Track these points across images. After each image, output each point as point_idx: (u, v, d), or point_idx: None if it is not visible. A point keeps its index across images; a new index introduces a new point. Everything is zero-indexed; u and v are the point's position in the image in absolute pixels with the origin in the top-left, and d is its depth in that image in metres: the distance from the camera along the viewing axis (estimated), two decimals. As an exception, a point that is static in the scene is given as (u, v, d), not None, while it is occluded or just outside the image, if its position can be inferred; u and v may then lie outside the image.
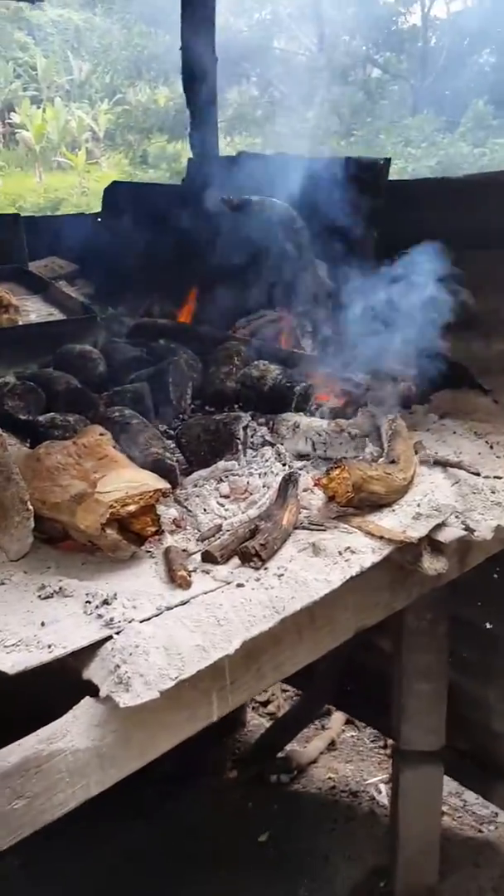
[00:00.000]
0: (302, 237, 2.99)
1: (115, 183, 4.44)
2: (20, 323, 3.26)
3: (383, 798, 3.81)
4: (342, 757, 4.21)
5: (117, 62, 23.56)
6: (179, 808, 3.72)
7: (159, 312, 3.63)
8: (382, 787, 3.89)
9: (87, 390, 2.54)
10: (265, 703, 4.47)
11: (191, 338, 3.12)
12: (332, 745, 4.25)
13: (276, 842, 3.57)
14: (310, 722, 4.20)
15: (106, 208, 4.31)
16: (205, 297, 3.46)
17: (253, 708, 4.39)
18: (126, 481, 1.78)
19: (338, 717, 4.26)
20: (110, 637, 1.51)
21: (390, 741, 3.54)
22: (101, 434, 1.98)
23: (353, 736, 4.36)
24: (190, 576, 1.69)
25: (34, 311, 3.57)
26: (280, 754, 3.99)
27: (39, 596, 1.67)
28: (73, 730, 1.45)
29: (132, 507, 1.76)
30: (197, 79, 3.73)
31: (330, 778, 4.04)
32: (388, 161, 3.08)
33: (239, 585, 1.67)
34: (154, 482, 1.81)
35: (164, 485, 1.82)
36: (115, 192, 4.29)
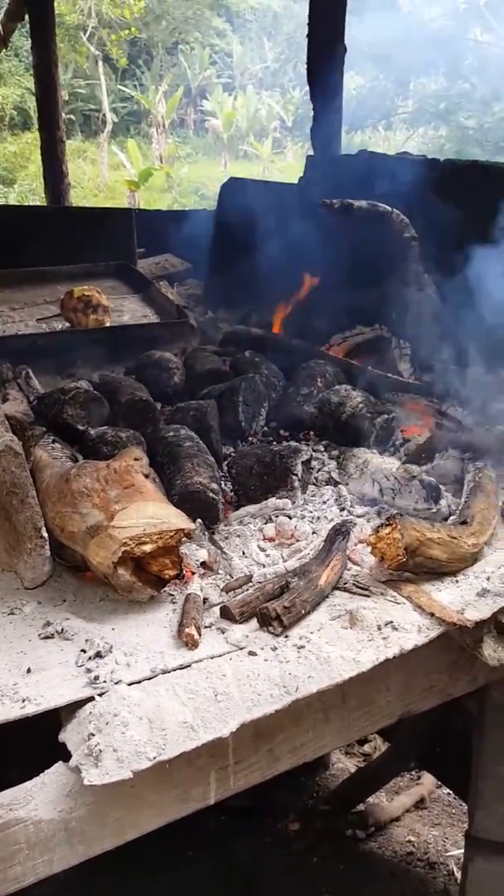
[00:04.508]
0: (411, 248, 2.75)
1: (231, 179, 4.35)
2: (108, 324, 3.23)
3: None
4: (429, 819, 3.89)
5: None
6: (240, 848, 3.57)
7: (256, 320, 3.48)
8: (464, 862, 3.57)
9: (150, 403, 2.45)
10: (361, 743, 4.21)
11: (279, 351, 2.96)
12: (421, 803, 3.93)
13: (333, 907, 3.34)
14: (394, 777, 3.92)
15: (221, 205, 4.23)
16: (305, 306, 3.28)
17: (343, 748, 4.14)
18: (147, 517, 1.65)
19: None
20: (92, 698, 1.38)
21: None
22: (135, 458, 1.85)
23: (448, 794, 4.02)
24: (200, 634, 1.54)
25: (129, 311, 3.54)
26: (360, 806, 3.75)
27: (40, 635, 1.58)
28: (38, 797, 1.34)
29: (148, 547, 1.62)
30: (322, 69, 3.55)
31: (409, 841, 3.74)
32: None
33: (251, 654, 1.50)
34: (178, 520, 1.66)
35: (188, 525, 1.67)
36: (231, 189, 4.19)
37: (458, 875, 3.49)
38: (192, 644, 1.51)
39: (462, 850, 3.64)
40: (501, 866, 2.49)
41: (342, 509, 2.02)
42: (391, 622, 1.58)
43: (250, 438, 2.49)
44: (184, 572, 1.72)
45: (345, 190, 2.99)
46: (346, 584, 1.72)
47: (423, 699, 1.75)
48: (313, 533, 1.90)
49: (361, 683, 1.55)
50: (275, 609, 1.55)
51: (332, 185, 3.27)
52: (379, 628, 1.57)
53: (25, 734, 1.40)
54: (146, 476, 1.84)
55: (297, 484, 2.04)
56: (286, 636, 1.55)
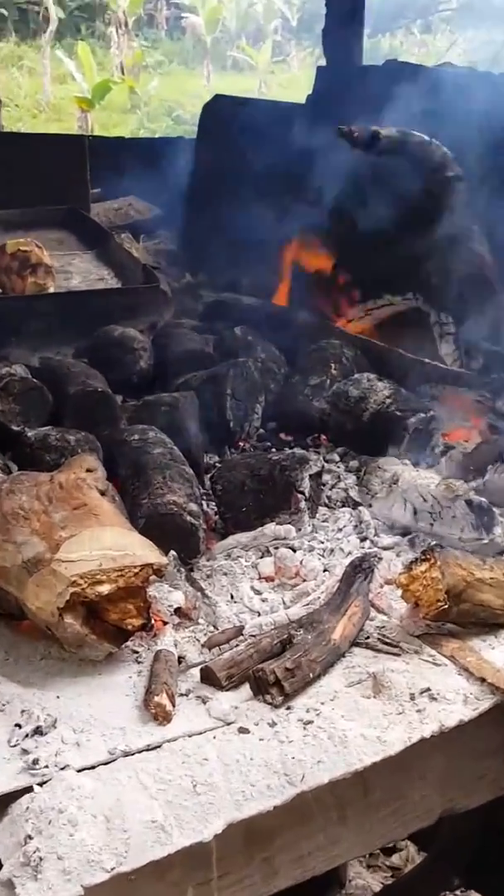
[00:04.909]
0: (456, 191, 2.79)
1: (217, 97, 4.39)
2: (51, 289, 3.25)
3: None
4: None
5: None
6: None
7: (249, 285, 3.53)
8: None
9: (107, 397, 2.47)
10: (389, 852, 4.22)
11: (280, 327, 3.00)
12: (466, 936, 3.96)
13: None
14: (431, 900, 3.93)
15: (204, 132, 4.26)
16: (315, 268, 3.32)
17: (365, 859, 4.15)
18: (103, 547, 1.66)
19: (481, 894, 3.96)
20: (29, 789, 1.40)
21: None
22: (88, 470, 1.87)
23: (502, 925, 4.04)
24: (173, 704, 1.55)
25: (80, 273, 3.56)
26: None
27: (-40, 705, 1.59)
28: (-45, 921, 1.35)
29: (106, 588, 1.63)
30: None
31: None
32: None
33: (241, 731, 1.51)
34: (144, 553, 1.68)
35: (158, 558, 1.68)
36: (217, 111, 4.24)
37: None
38: (163, 717, 1.52)
39: None
40: None
41: (363, 539, 2.03)
42: (428, 690, 1.59)
43: (241, 444, 2.52)
44: (152, 622, 1.72)
45: (368, 113, 3.02)
46: (368, 638, 1.73)
47: (470, 793, 1.76)
48: (325, 570, 1.91)
49: (389, 771, 1.55)
50: (273, 671, 1.55)
51: (352, 106, 3.30)
52: (412, 698, 1.58)
53: None
54: (102, 493, 1.85)
55: (303, 505, 2.05)
56: (288, 707, 1.56)
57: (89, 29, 24.13)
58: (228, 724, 1.53)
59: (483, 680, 1.61)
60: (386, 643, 1.71)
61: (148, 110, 19.78)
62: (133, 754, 1.47)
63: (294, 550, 1.98)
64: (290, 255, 3.54)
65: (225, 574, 1.93)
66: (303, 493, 2.06)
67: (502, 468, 2.13)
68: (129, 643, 1.71)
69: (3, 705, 1.58)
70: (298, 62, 23.97)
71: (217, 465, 2.37)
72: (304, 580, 1.90)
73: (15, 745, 1.47)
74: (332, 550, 1.99)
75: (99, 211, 4.38)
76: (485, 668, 1.62)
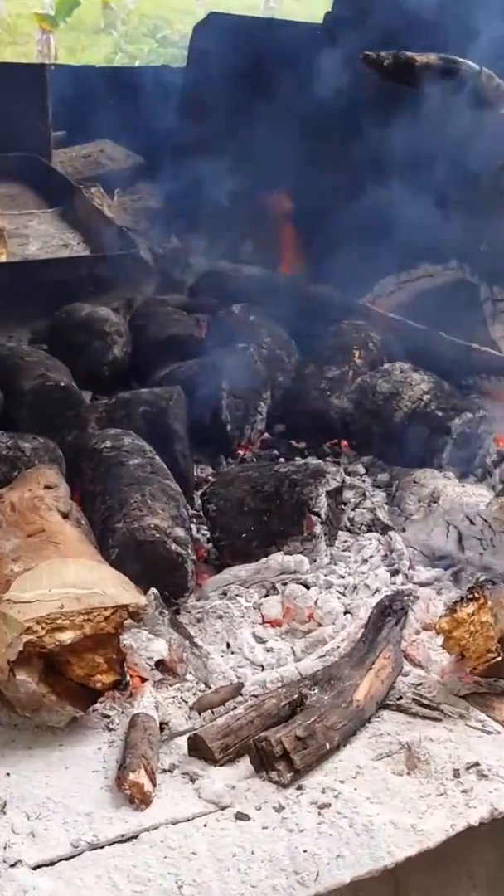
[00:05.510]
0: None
1: (212, 16, 4.41)
2: (3, 258, 3.25)
3: None
4: None
5: None
6: None
7: (252, 251, 3.54)
8: None
9: (72, 393, 2.48)
10: None
11: (291, 304, 3.00)
12: None
13: None
14: None
15: (195, 59, 4.27)
16: (332, 231, 3.32)
17: None
18: (65, 584, 1.66)
19: None
20: (-29, 890, 1.40)
21: None
22: (46, 486, 1.87)
23: None
24: (154, 783, 1.54)
25: (38, 236, 3.56)
26: None
27: None
28: None
29: (68, 635, 1.63)
30: None
31: None
32: None
33: (240, 817, 1.51)
34: (117, 591, 1.68)
35: (134, 598, 1.68)
36: (212, 32, 4.24)
37: None
38: (140, 800, 1.52)
39: None
40: None
41: (395, 573, 2.03)
42: (477, 765, 1.59)
43: (241, 452, 2.52)
44: (128, 679, 1.72)
45: (403, 35, 3.02)
46: (400, 699, 1.72)
47: (531, 895, 1.76)
48: (346, 613, 1.90)
49: (427, 868, 1.55)
50: (280, 741, 1.54)
51: (382, 26, 3.30)
52: (456, 775, 1.57)
53: None
54: (65, 515, 1.86)
55: (318, 529, 2.05)
56: (299, 787, 1.55)
57: None
58: (223, 808, 1.53)
59: (545, 752, 1.61)
60: (423, 705, 1.70)
61: (126, 30, 19.81)
62: (102, 847, 1.46)
63: (307, 587, 1.98)
64: (304, 213, 3.52)
65: (220, 617, 1.92)
66: (318, 514, 2.06)
67: None
68: (97, 705, 1.71)
69: None
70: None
71: (210, 479, 2.37)
72: (320, 625, 1.90)
73: (-48, 836, 1.48)
74: (354, 587, 1.99)
75: (63, 158, 4.39)
76: (548, 737, 1.62)
